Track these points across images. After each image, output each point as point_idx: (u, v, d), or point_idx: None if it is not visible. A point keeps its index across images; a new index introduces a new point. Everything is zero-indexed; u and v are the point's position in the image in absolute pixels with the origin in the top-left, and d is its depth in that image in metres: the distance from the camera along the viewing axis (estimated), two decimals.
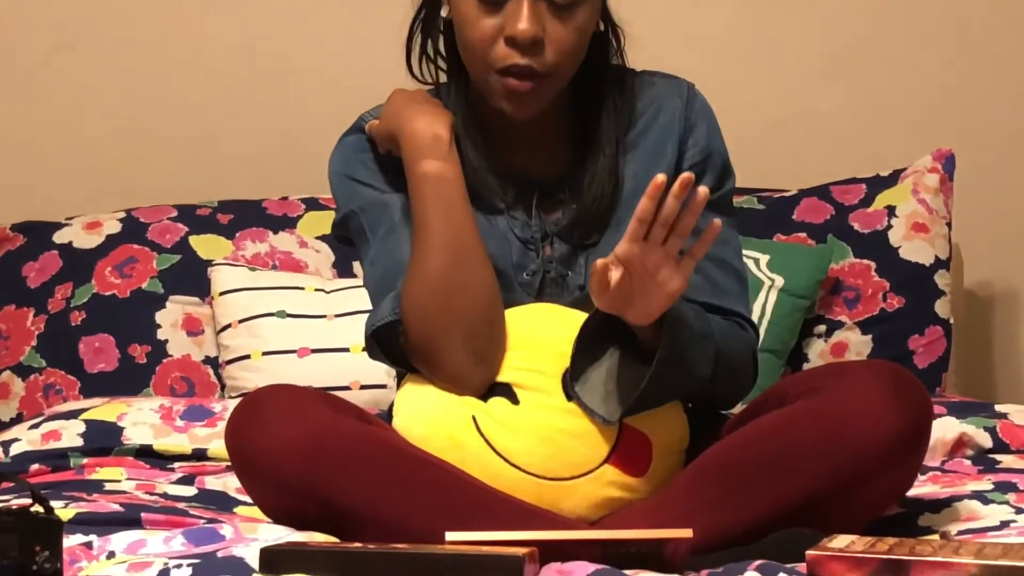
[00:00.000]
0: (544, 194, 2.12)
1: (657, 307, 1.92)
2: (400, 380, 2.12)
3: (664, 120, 2.13)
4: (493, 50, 2.02)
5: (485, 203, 2.10)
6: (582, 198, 2.08)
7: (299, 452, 1.89)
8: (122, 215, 3.11)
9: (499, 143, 2.12)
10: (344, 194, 2.14)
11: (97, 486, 2.37)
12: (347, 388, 2.80)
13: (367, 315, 2.10)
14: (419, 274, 2.01)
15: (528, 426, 2.00)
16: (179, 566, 1.74)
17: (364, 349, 2.12)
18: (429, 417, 2.02)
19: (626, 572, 1.75)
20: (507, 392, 2.02)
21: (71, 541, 1.88)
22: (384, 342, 2.08)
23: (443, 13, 2.11)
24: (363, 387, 2.82)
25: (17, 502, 2.07)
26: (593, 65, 2.11)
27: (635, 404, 1.97)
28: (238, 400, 2.07)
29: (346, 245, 2.20)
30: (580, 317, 2.06)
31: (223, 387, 2.95)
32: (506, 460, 1.99)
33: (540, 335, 2.05)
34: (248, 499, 2.21)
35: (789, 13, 3.32)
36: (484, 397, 2.02)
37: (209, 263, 3.02)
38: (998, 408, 2.61)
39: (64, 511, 2.04)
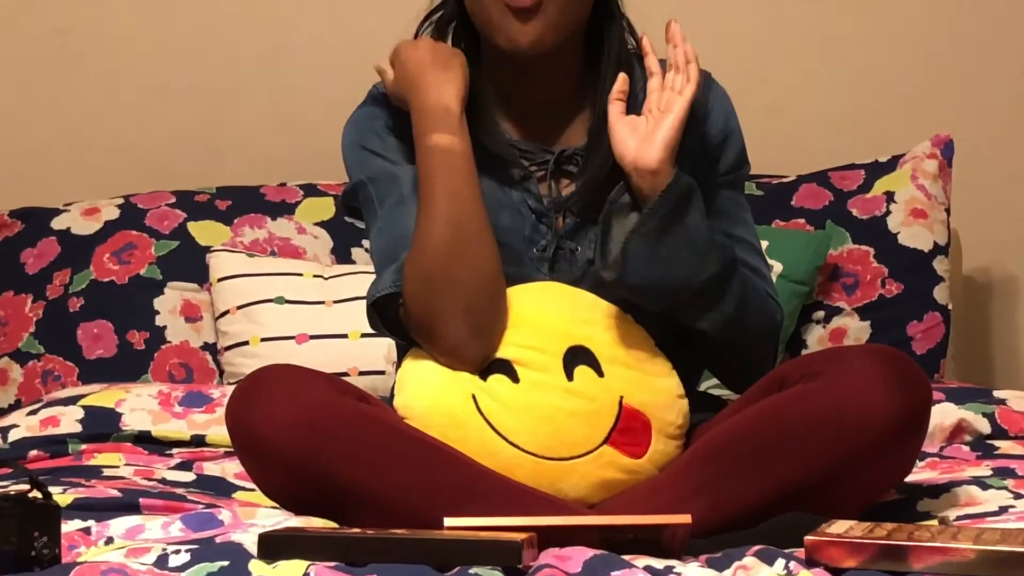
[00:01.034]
0: (558, 166, 2.13)
1: (663, 133, 2.01)
2: (399, 364, 2.12)
3: None
4: None
5: (500, 173, 2.10)
6: (589, 170, 2.08)
7: (299, 430, 1.90)
8: (120, 201, 3.11)
9: (516, 114, 2.14)
10: (355, 164, 2.15)
11: (95, 472, 2.37)
12: (345, 374, 2.80)
13: (369, 287, 2.10)
14: (421, 245, 2.02)
15: (527, 405, 2.01)
16: (177, 551, 1.73)
17: (368, 322, 2.12)
18: (429, 395, 2.02)
19: (624, 557, 1.75)
20: (507, 369, 2.03)
21: (69, 527, 1.88)
22: (385, 313, 2.08)
23: None
24: (361, 373, 2.82)
25: (15, 488, 2.07)
26: (605, 40, 2.12)
27: (633, 254, 1.99)
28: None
29: (353, 217, 2.21)
30: (584, 296, 2.07)
31: (221, 373, 2.95)
32: (505, 438, 2.00)
33: (542, 313, 2.06)
34: (247, 484, 2.22)
35: None
36: (484, 374, 2.03)
37: (207, 249, 3.02)
38: (996, 394, 2.61)
39: (62, 497, 2.04)
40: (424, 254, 2.02)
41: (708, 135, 2.15)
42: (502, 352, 2.03)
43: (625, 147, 2.03)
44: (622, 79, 2.08)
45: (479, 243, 2.02)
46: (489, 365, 2.03)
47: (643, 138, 2.03)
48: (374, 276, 2.10)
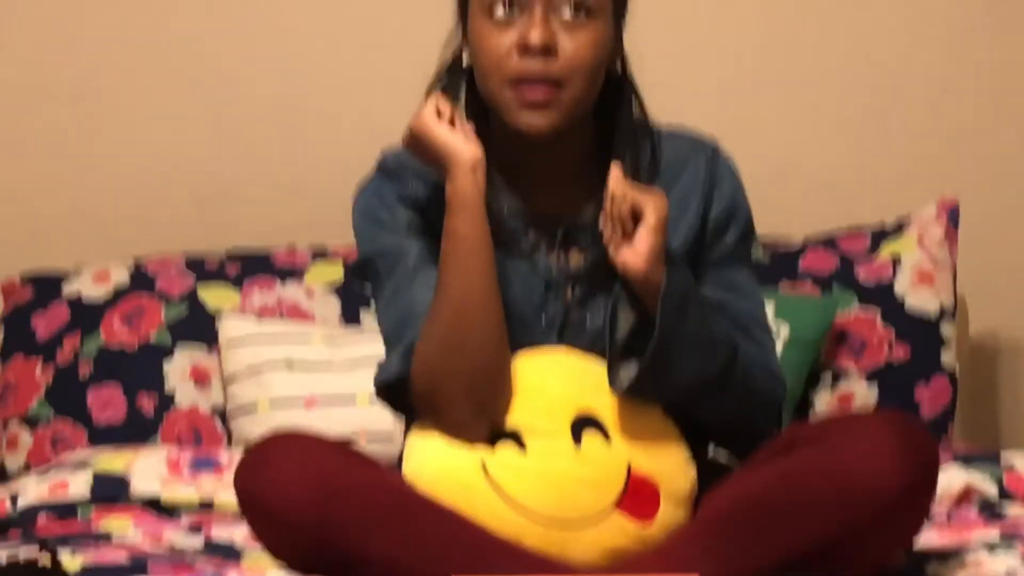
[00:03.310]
0: (567, 236, 2.14)
1: (643, 242, 2.01)
2: (407, 429, 2.13)
3: (689, 175, 2.15)
4: (507, 62, 2.05)
5: (509, 243, 2.11)
6: (600, 245, 2.09)
7: (308, 497, 1.91)
8: (131, 266, 3.12)
9: (525, 185, 2.15)
10: (365, 236, 2.16)
11: (105, 536, 2.37)
12: (354, 438, 2.80)
13: (377, 363, 2.12)
14: (427, 330, 2.04)
15: (535, 471, 2.01)
16: None
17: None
18: (438, 462, 2.03)
19: None
20: (514, 438, 2.03)
21: None
22: (393, 393, 2.09)
23: (464, 60, 2.13)
24: (370, 437, 2.82)
25: (25, 553, 2.08)
26: (614, 113, 2.13)
27: (647, 367, 1.99)
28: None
29: (365, 283, 2.21)
30: (591, 364, 2.07)
31: (230, 437, 2.95)
32: (514, 505, 2.00)
33: (549, 381, 2.06)
34: (255, 549, 2.22)
35: (793, 61, 3.33)
36: (492, 443, 2.03)
37: (217, 313, 3.03)
38: (1004, 458, 2.61)
39: (72, 562, 2.05)
40: (430, 340, 2.03)
41: (713, 209, 2.15)
42: (510, 421, 2.04)
43: (613, 252, 2.04)
44: (615, 175, 2.07)
45: (482, 328, 2.03)
46: (497, 434, 2.03)
47: (631, 245, 2.03)
48: (383, 353, 2.11)
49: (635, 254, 2.01)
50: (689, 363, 2.02)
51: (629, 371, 2.03)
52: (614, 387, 2.04)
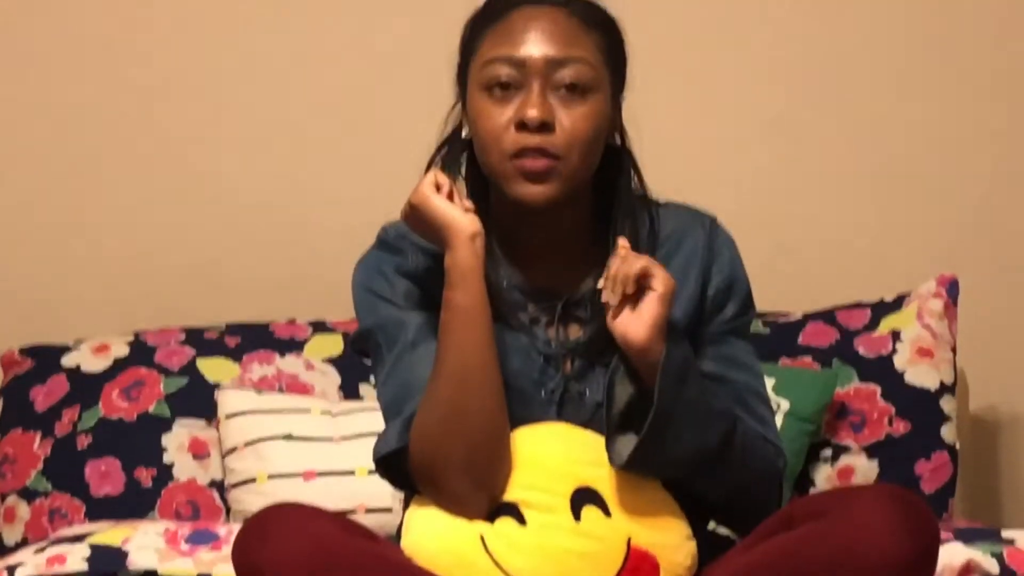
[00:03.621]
0: (566, 310, 2.14)
1: (648, 311, 2.02)
2: (407, 502, 2.12)
3: (687, 249, 2.16)
4: (506, 137, 2.06)
5: (508, 318, 2.12)
6: (600, 317, 2.10)
7: (307, 569, 1.90)
8: (130, 338, 3.12)
9: (524, 258, 2.15)
10: (364, 308, 2.17)
11: None
12: (353, 511, 2.79)
13: (376, 436, 2.11)
14: (426, 402, 2.04)
15: (535, 546, 2.01)
16: None
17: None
18: (437, 536, 2.02)
19: None
20: (514, 512, 2.03)
21: None
22: (392, 465, 2.09)
23: (464, 133, 2.14)
24: (369, 510, 2.82)
25: None
26: (613, 185, 2.14)
27: (646, 436, 1.99)
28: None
29: (364, 356, 2.22)
30: (591, 437, 2.07)
31: (228, 511, 2.94)
32: None
33: (549, 454, 2.06)
34: None
35: (792, 138, 3.34)
36: (491, 516, 2.03)
37: (216, 386, 3.03)
38: (1005, 534, 2.60)
39: None
40: (428, 412, 2.04)
41: (712, 282, 2.16)
42: (509, 494, 2.04)
43: (614, 321, 2.05)
44: (623, 242, 2.09)
45: (481, 401, 2.03)
46: (497, 507, 2.03)
47: (634, 314, 2.03)
48: (382, 426, 2.11)
49: (640, 323, 2.01)
50: (688, 436, 2.02)
51: (628, 444, 2.02)
52: (613, 461, 2.03)
